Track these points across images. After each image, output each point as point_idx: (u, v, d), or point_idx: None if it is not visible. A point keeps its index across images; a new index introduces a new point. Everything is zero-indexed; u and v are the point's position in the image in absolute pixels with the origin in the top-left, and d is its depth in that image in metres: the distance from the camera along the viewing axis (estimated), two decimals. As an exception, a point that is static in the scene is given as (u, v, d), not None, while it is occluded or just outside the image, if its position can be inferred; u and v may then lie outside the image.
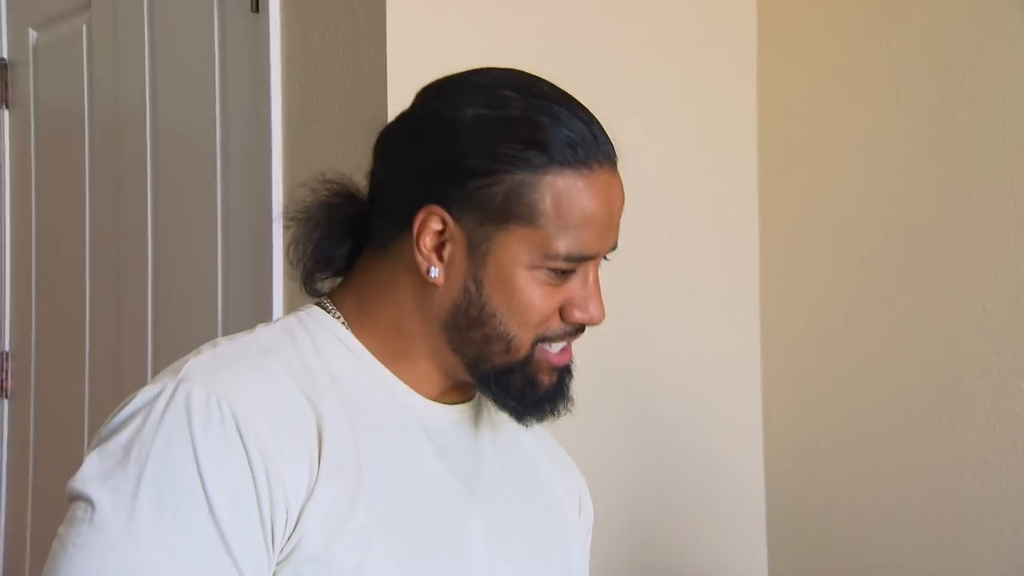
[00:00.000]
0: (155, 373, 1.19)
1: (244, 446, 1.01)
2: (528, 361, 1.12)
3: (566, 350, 1.16)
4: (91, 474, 1.01)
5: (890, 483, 1.91)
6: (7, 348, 2.68)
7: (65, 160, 2.50)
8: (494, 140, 1.08)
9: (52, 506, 1.64)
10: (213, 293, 2.07)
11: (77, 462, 1.03)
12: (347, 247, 1.17)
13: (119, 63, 2.33)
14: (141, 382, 1.09)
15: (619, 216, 1.14)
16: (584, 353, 1.79)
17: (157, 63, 2.23)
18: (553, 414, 1.16)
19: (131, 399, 1.05)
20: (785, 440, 2.06)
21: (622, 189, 1.13)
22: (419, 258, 1.10)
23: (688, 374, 2.04)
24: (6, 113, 2.67)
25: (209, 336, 1.23)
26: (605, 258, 1.14)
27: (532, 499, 1.25)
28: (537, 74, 1.13)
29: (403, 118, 1.15)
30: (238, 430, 1.01)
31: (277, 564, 1.03)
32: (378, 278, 1.14)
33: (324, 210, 1.17)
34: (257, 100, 1.97)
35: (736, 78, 2.11)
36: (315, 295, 1.18)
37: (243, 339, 1.12)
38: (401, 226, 1.11)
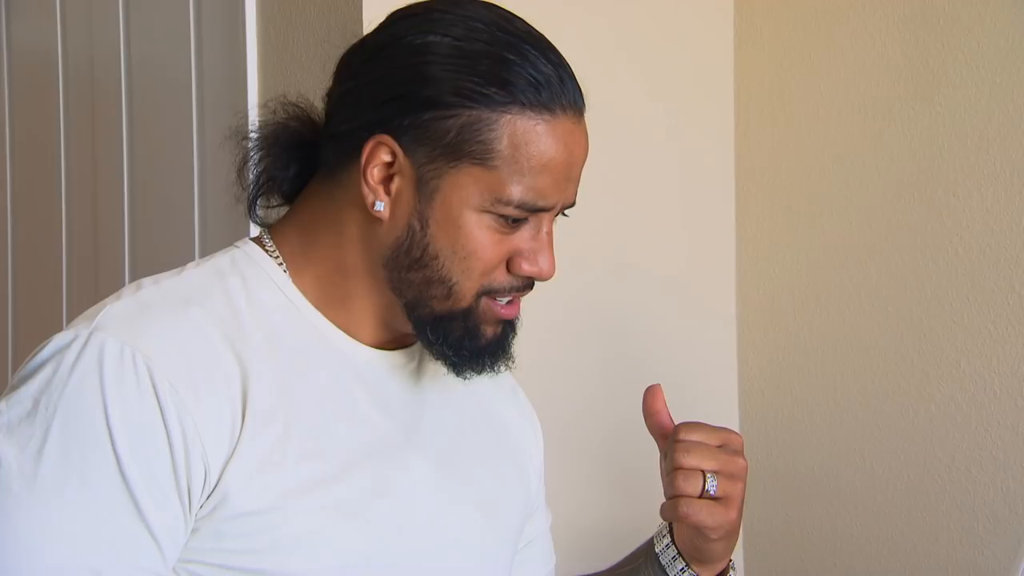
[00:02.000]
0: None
1: (159, 402, 0.95)
2: (471, 313, 1.06)
3: (514, 303, 1.09)
4: None
5: (862, 427, 1.93)
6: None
7: (40, 104, 2.48)
8: (455, 71, 1.01)
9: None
10: (189, 234, 2.07)
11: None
12: (293, 170, 1.11)
13: (92, 5, 2.32)
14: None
15: (580, 168, 1.07)
16: (561, 312, 1.80)
17: (131, 4, 2.21)
18: (492, 368, 1.10)
19: (45, 344, 0.99)
20: (759, 391, 2.08)
21: (586, 141, 1.07)
22: (365, 190, 1.04)
23: (664, 333, 2.04)
24: (-22, 57, 2.66)
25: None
26: (564, 214, 1.09)
27: (487, 442, 1.21)
28: (525, 20, 1.07)
29: (365, 39, 1.09)
30: (152, 384, 0.95)
31: (197, 521, 0.98)
32: (323, 208, 1.09)
33: (275, 131, 1.11)
34: (232, 43, 1.95)
35: (712, 25, 2.10)
36: (257, 223, 1.13)
37: (168, 282, 1.05)
38: (350, 154, 1.05)
